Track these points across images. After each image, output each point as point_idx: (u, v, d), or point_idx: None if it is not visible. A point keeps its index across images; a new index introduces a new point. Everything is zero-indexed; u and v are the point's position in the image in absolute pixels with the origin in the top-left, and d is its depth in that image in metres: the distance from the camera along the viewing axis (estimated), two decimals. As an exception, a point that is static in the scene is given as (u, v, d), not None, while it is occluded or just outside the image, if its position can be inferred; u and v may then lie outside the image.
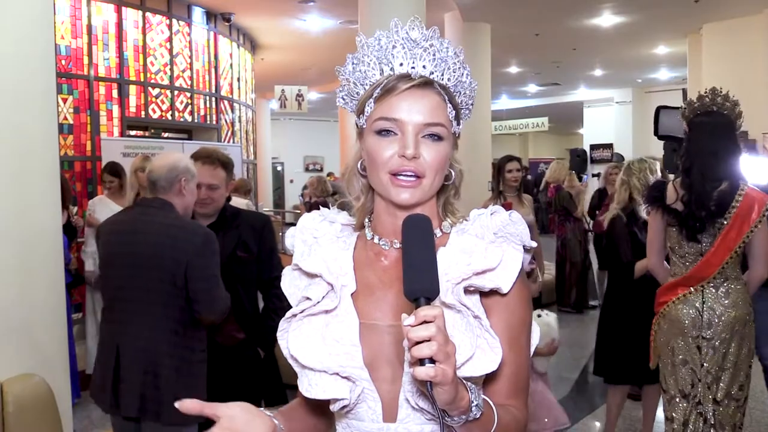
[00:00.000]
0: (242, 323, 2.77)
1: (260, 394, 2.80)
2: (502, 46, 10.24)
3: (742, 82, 6.80)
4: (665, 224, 2.83)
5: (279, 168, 20.72)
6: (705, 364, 2.70)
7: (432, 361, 0.82)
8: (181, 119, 8.54)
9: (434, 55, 1.05)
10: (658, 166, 3.69)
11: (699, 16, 9.25)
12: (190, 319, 2.42)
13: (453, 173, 1.10)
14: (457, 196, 1.14)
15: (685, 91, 11.47)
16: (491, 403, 0.96)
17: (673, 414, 2.79)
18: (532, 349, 1.11)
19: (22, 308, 2.72)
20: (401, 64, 1.05)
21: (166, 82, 8.24)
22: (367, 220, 1.15)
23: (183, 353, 2.40)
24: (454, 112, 1.07)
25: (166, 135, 9.25)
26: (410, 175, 1.03)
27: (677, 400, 2.77)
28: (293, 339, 1.06)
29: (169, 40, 8.31)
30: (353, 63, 1.09)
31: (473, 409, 0.90)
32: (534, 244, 1.09)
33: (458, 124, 1.09)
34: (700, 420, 2.71)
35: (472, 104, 1.14)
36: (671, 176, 3.72)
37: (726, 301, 2.70)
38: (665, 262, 2.95)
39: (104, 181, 5.22)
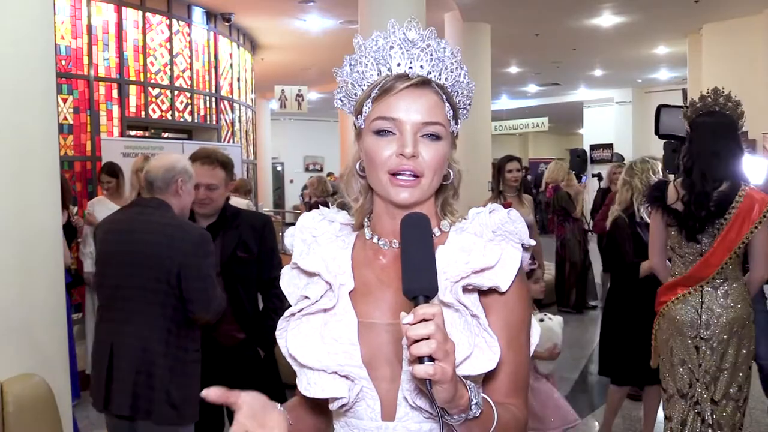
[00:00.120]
0: (242, 323, 2.77)
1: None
2: (502, 46, 10.25)
3: (742, 82, 6.81)
4: (665, 224, 2.83)
5: (279, 168, 20.73)
6: (703, 364, 2.70)
7: (431, 359, 0.82)
8: (181, 119, 8.55)
9: (431, 55, 1.05)
10: (659, 166, 3.68)
11: (699, 16, 9.25)
12: (184, 319, 2.42)
13: (452, 173, 1.10)
14: (455, 197, 1.14)
15: (685, 92, 11.46)
16: (491, 401, 0.96)
17: (672, 413, 2.80)
18: (532, 348, 1.10)
19: (22, 308, 2.71)
20: (399, 65, 1.05)
21: (166, 82, 8.25)
22: (366, 220, 1.15)
23: (177, 353, 2.40)
24: (452, 111, 1.07)
25: (166, 135, 9.25)
26: (409, 175, 1.03)
27: (675, 399, 2.77)
28: (292, 338, 1.06)
29: (169, 40, 8.32)
30: (351, 64, 1.09)
31: (473, 407, 0.90)
32: (533, 243, 1.09)
33: (456, 123, 1.10)
34: (698, 420, 2.71)
35: (469, 104, 1.14)
36: (671, 176, 3.71)
37: (725, 302, 2.70)
38: (667, 262, 2.95)
39: (102, 182, 5.23)
